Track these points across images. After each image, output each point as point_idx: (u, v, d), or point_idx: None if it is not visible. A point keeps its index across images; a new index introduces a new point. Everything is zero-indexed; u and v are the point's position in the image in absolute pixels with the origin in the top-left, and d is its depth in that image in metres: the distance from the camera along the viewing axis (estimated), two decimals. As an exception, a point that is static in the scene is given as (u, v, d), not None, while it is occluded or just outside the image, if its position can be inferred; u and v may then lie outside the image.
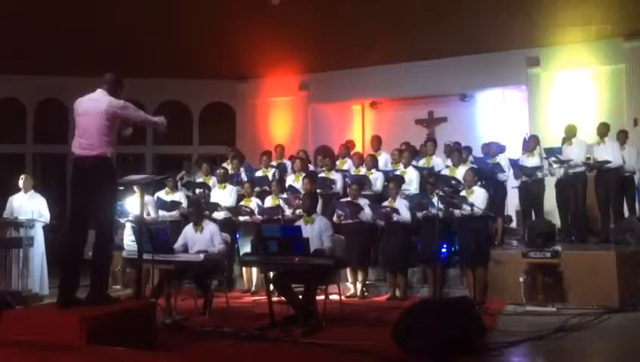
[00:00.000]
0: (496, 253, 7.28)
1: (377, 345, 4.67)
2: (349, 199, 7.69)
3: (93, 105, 4.60)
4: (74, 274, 4.56)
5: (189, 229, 6.80)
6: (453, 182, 7.68)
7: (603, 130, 8.26)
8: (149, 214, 7.75)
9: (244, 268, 8.04)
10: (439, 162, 8.61)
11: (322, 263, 5.55)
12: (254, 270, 7.81)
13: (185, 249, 6.60)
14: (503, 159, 8.40)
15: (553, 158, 8.16)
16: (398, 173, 8.23)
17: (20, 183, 7.94)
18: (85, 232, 4.66)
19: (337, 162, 9.12)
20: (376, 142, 9.35)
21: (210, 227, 6.76)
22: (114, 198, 5.01)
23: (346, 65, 11.81)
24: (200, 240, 6.62)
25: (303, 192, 7.64)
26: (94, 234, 4.66)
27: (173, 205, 8.36)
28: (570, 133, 8.33)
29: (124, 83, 4.86)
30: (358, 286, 7.51)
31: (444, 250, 7.09)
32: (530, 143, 8.53)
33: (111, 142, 4.61)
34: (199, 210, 7.06)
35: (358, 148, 10.88)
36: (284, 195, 8.28)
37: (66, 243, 4.67)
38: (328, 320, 5.66)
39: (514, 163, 8.35)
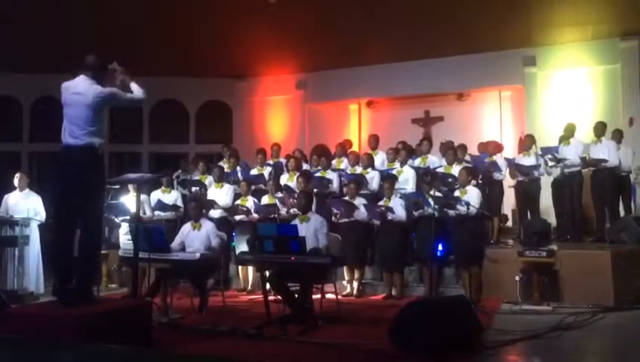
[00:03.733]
0: (492, 252, 7.30)
1: (374, 343, 4.67)
2: (346, 198, 7.69)
3: (78, 97, 4.47)
4: (68, 272, 4.52)
5: (186, 227, 6.81)
6: (449, 179, 7.70)
7: (600, 129, 8.28)
8: (144, 213, 7.74)
9: (240, 267, 8.06)
10: (435, 161, 8.62)
11: (319, 262, 5.55)
12: (250, 269, 7.80)
13: (182, 247, 6.60)
14: (499, 158, 8.42)
15: (549, 156, 8.19)
16: (394, 172, 8.24)
17: (16, 182, 7.91)
18: (74, 227, 4.54)
19: (334, 161, 9.13)
20: (374, 141, 9.34)
21: (207, 225, 6.79)
22: (101, 191, 4.86)
23: (343, 65, 11.81)
24: (197, 237, 6.64)
25: (298, 191, 7.64)
26: (81, 229, 4.55)
27: (173, 208, 8.34)
28: (569, 133, 8.36)
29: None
30: (355, 284, 7.52)
31: (440, 249, 7.10)
32: (526, 142, 8.55)
33: (97, 131, 4.49)
34: (200, 205, 7.07)
35: (354, 148, 10.88)
36: (280, 195, 8.28)
37: (55, 242, 4.59)
38: (324, 318, 5.67)
39: (510, 162, 8.36)
